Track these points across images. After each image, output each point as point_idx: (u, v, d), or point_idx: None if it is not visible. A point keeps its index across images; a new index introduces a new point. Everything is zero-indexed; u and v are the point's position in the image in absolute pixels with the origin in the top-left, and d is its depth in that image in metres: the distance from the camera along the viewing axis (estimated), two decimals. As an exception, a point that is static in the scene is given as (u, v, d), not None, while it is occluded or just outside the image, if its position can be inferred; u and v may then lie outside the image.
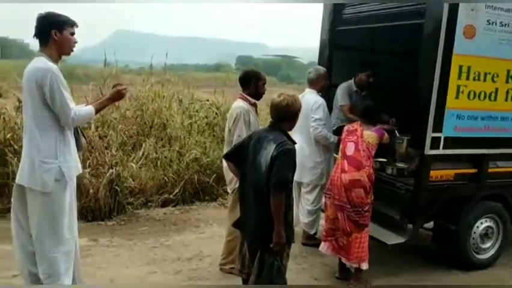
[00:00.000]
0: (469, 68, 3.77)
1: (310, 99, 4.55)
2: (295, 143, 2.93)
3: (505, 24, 3.82)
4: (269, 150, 2.82)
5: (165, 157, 6.42)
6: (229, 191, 4.02)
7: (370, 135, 3.80)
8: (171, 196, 6.03)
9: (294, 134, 4.59)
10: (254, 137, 3.00)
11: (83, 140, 3.15)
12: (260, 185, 2.83)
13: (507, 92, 4.02)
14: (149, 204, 5.88)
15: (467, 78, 3.79)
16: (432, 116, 3.73)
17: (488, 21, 3.75)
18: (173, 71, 9.60)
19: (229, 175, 3.88)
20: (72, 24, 2.92)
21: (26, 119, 2.89)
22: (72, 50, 2.97)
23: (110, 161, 5.54)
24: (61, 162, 2.85)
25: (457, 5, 3.60)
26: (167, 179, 6.18)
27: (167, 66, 8.81)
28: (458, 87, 3.78)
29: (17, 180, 2.94)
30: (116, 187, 5.40)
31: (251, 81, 3.85)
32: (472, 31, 3.70)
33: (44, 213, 2.87)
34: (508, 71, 3.98)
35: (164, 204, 5.96)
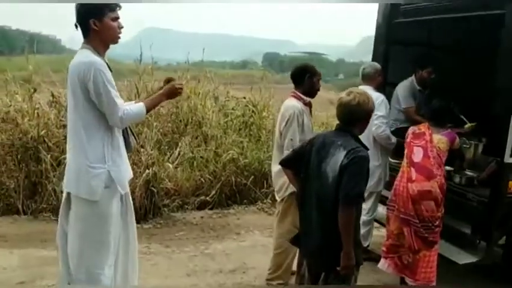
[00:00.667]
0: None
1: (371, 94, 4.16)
2: (367, 149, 2.54)
3: None
4: (338, 157, 2.45)
5: (201, 157, 6.12)
6: (277, 198, 3.64)
7: (440, 139, 3.36)
8: (207, 198, 5.73)
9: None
10: (317, 141, 2.63)
11: (133, 140, 2.81)
12: (325, 198, 2.46)
13: None
14: (185, 206, 5.59)
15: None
16: (515, 120, 3.26)
17: None
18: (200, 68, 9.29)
19: (278, 182, 3.52)
20: (112, 8, 2.56)
21: (69, 119, 2.57)
22: (118, 37, 2.62)
23: (146, 161, 5.26)
24: (110, 166, 2.53)
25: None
26: (203, 180, 5.88)
27: (194, 63, 8.46)
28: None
29: (64, 187, 2.64)
30: (153, 188, 5.12)
31: (305, 77, 3.47)
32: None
33: (91, 223, 2.54)
34: None
35: (201, 206, 5.67)
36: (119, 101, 2.54)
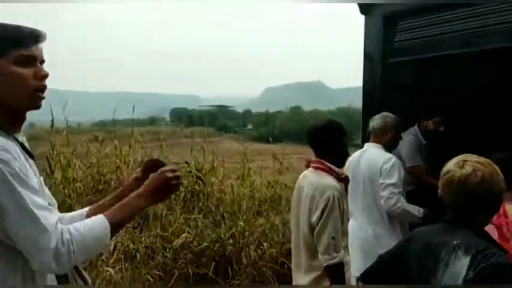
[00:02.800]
0: None
1: (376, 156, 3.19)
2: (506, 251, 1.53)
3: None
4: (459, 267, 1.50)
5: (145, 247, 4.66)
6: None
7: None
8: (160, 304, 4.27)
9: (355, 209, 3.19)
10: (415, 243, 1.68)
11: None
12: None
13: None
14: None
15: None
16: None
17: None
18: (103, 127, 7.89)
19: None
20: (20, 43, 1.32)
21: None
22: (36, 96, 1.36)
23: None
24: None
25: None
26: (151, 278, 4.41)
27: (97, 123, 7.10)
28: None
29: None
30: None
31: (334, 140, 2.40)
32: None
33: None
34: None
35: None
36: (51, 217, 1.26)
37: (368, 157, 3.20)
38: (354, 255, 3.14)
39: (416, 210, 3.14)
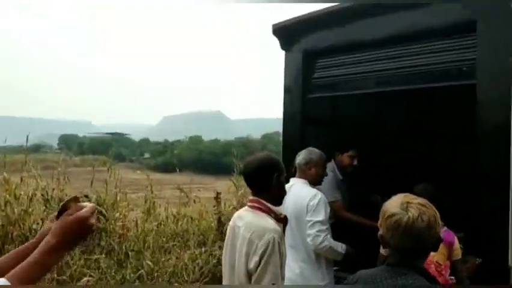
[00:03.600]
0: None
1: (302, 192, 3.15)
2: None
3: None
4: None
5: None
6: None
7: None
8: None
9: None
10: (358, 287, 1.65)
11: None
12: None
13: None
14: None
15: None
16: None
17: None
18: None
19: None
20: None
21: None
22: None
23: None
24: None
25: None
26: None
27: None
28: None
29: None
30: None
31: (272, 178, 2.24)
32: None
33: None
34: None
35: None
36: None
37: (294, 193, 3.13)
38: (280, 296, 3.01)
39: (340, 247, 3.13)
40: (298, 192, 3.13)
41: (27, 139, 5.69)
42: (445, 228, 2.70)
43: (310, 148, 3.31)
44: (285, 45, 3.87)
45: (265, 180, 2.23)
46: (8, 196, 4.63)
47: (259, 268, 2.04)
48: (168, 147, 65.68)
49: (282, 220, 2.24)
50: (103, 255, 4.82)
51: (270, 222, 2.15)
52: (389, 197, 1.68)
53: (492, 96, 2.72)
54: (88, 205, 1.31)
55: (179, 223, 6.60)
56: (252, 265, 2.06)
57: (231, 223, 2.32)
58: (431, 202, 1.64)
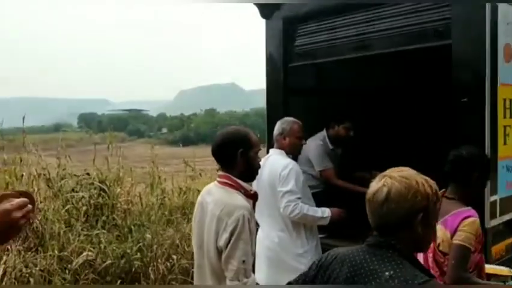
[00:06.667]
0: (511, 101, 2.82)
1: (276, 163, 3.15)
2: (433, 276, 1.46)
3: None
4: None
5: (41, 270, 4.22)
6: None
7: (470, 223, 2.13)
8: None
9: (261, 217, 3.12)
10: (335, 268, 1.48)
11: None
12: None
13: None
14: None
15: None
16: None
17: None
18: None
19: None
20: None
21: None
22: None
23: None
24: None
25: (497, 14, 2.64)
26: (48, 305, 4.00)
27: None
28: (505, 128, 2.78)
29: None
30: None
31: (236, 154, 2.19)
32: (509, 52, 2.79)
33: None
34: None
35: None
36: None
37: (270, 163, 3.14)
38: (260, 265, 3.06)
39: (320, 212, 3.13)
40: (273, 163, 3.14)
41: (23, 120, 5.83)
42: (460, 209, 2.19)
43: (285, 118, 3.29)
44: (265, 13, 3.80)
45: (229, 157, 2.20)
46: (7, 177, 4.79)
47: (230, 245, 2.03)
48: (185, 121, 66.07)
49: (252, 196, 2.23)
50: (105, 231, 4.95)
51: (239, 199, 2.13)
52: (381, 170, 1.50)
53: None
54: (17, 200, 1.31)
55: (185, 196, 6.70)
56: (222, 242, 2.06)
57: (199, 198, 2.31)
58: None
